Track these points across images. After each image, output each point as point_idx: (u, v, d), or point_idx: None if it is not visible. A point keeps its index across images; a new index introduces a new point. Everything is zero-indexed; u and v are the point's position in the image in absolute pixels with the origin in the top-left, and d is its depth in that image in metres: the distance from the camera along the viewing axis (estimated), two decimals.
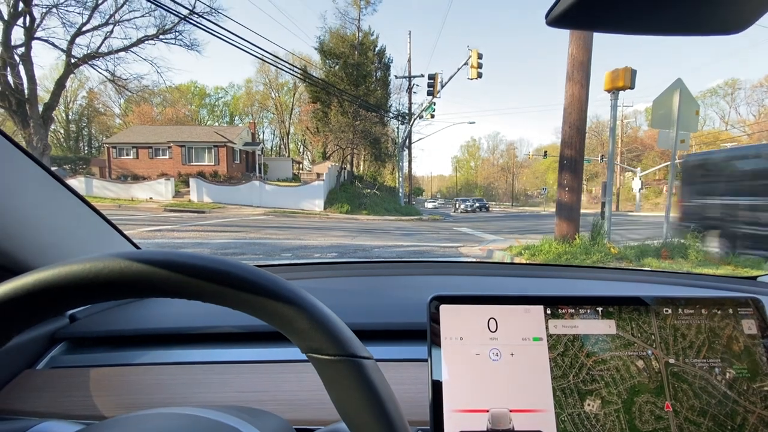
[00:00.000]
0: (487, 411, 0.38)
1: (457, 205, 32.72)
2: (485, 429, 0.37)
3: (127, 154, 22.13)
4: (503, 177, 64.28)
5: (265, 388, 0.52)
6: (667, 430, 0.38)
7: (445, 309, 0.41)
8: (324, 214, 15.88)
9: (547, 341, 0.40)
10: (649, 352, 0.40)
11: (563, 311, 0.41)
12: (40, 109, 13.14)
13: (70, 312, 0.63)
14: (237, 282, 0.24)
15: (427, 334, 0.40)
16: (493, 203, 50.04)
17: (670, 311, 0.41)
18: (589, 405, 0.38)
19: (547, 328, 0.40)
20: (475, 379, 0.39)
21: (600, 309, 0.41)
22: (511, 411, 0.38)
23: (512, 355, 0.39)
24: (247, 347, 0.60)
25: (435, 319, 0.40)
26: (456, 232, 11.84)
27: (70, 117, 39.67)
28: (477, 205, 32.08)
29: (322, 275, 0.96)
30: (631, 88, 5.90)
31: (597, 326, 0.40)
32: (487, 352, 0.39)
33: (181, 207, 15.29)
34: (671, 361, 0.40)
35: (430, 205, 41.18)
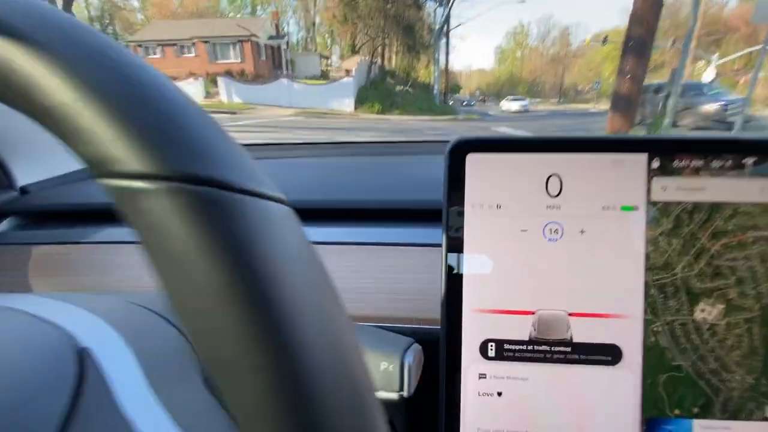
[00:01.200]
0: (533, 313, 0.24)
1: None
2: (527, 338, 0.24)
3: (154, 53, 21.56)
4: (552, 70, 57.91)
5: None
6: None
7: (475, 161, 0.25)
8: (354, 114, 15.30)
9: (647, 212, 0.24)
10: None
11: (683, 164, 0.24)
12: (59, 3, 12.57)
13: (21, 184, 0.54)
14: None
15: (443, 196, 0.25)
16: (538, 100, 44.87)
17: None
18: (703, 311, 0.24)
19: (648, 191, 0.24)
20: (517, 267, 0.25)
21: (751, 160, 0.23)
22: (570, 315, 0.24)
23: (582, 232, 0.24)
24: None
25: (457, 174, 0.25)
26: (494, 133, 11.15)
27: (92, 14, 38.14)
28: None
29: (319, 154, 0.80)
30: None
31: (740, 189, 0.23)
32: (540, 227, 0.24)
33: (213, 108, 15.14)
34: None
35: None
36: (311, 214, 0.47)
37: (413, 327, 0.33)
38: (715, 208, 0.23)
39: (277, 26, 23.61)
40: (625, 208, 0.24)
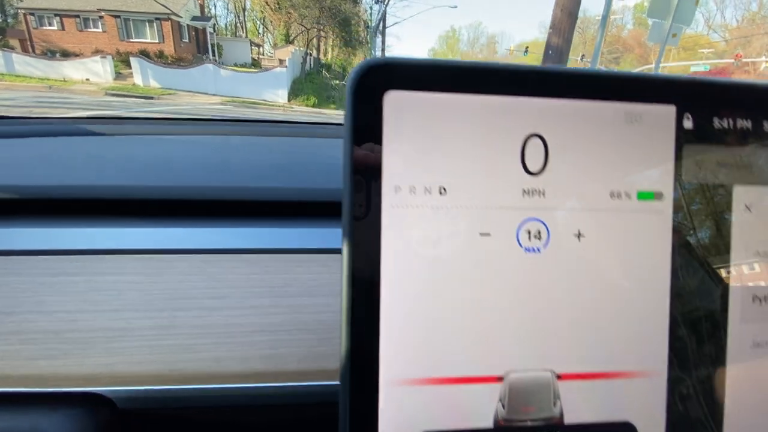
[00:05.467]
0: (499, 379, 0.14)
1: None
2: (491, 425, 0.14)
3: (50, 24, 18.71)
4: None
5: None
6: None
7: (400, 105, 0.14)
8: (288, 106, 14.69)
9: (675, 203, 0.15)
10: None
11: (724, 123, 0.15)
12: None
13: None
14: None
15: (343, 175, 0.13)
16: None
17: None
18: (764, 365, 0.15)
19: (677, 168, 0.15)
20: (472, 300, 0.14)
21: None
22: (560, 378, 0.14)
23: (579, 236, 0.14)
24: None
25: (366, 132, 0.13)
26: None
27: None
28: None
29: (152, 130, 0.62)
30: None
31: None
32: (512, 228, 0.14)
33: (124, 91, 13.48)
34: None
35: None
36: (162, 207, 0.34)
37: (305, 387, 0.22)
38: None
39: (201, 6, 21.80)
40: (643, 196, 0.15)
